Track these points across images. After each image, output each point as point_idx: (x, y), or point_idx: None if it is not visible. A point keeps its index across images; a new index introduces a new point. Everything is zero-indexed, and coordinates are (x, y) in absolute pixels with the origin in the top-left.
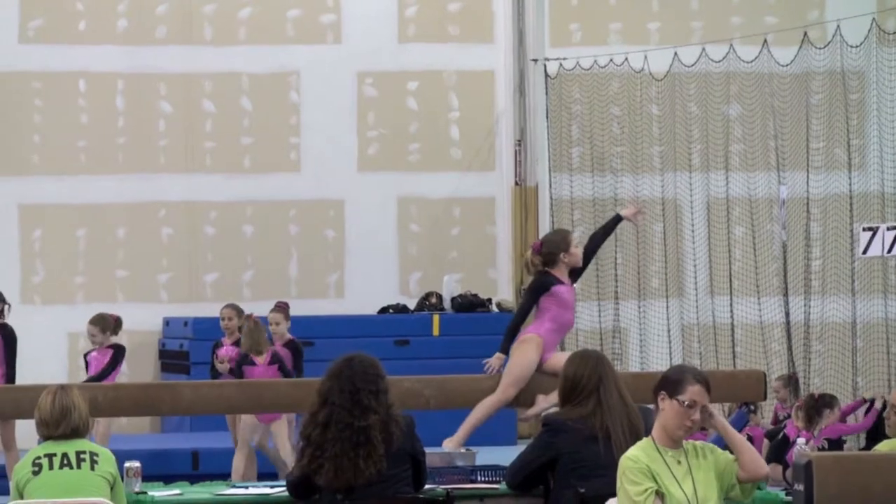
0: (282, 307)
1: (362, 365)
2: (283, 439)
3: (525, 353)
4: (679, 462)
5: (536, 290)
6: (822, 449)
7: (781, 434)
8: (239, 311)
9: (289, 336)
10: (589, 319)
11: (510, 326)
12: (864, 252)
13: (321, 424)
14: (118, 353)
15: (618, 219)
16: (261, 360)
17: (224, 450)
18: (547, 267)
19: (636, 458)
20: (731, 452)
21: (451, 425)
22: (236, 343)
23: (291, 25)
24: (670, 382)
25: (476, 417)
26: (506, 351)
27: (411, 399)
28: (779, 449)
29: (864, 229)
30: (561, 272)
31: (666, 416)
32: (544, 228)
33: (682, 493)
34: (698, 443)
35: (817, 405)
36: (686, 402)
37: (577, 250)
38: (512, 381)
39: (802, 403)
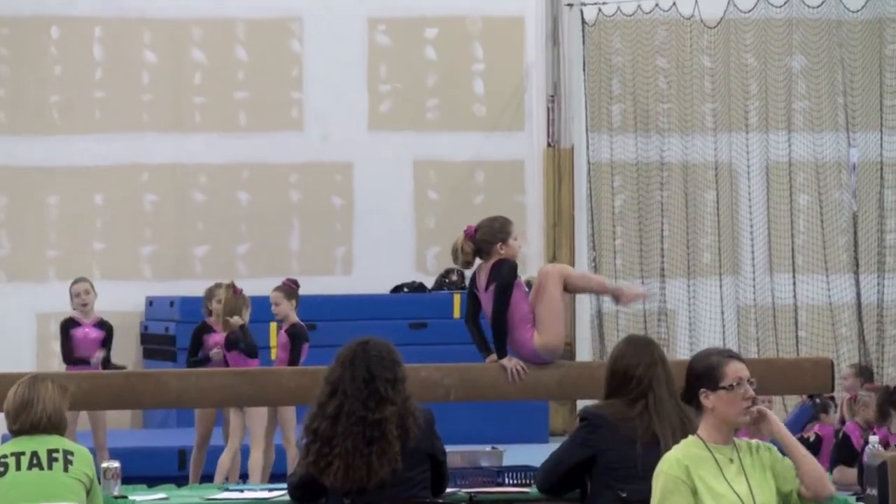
0: (286, 285)
1: (378, 349)
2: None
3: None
4: (731, 461)
5: (510, 283)
6: None
7: (842, 433)
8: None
9: (294, 319)
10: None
11: (497, 328)
12: None
13: (330, 417)
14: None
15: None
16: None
17: (216, 448)
18: (478, 257)
19: (676, 462)
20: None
21: (475, 420)
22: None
23: None
24: (705, 376)
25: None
26: (505, 353)
27: (429, 390)
28: (842, 449)
29: None
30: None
31: (721, 412)
32: (580, 196)
33: (735, 494)
34: (753, 441)
35: (892, 398)
36: (733, 384)
37: (517, 244)
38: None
39: (856, 396)
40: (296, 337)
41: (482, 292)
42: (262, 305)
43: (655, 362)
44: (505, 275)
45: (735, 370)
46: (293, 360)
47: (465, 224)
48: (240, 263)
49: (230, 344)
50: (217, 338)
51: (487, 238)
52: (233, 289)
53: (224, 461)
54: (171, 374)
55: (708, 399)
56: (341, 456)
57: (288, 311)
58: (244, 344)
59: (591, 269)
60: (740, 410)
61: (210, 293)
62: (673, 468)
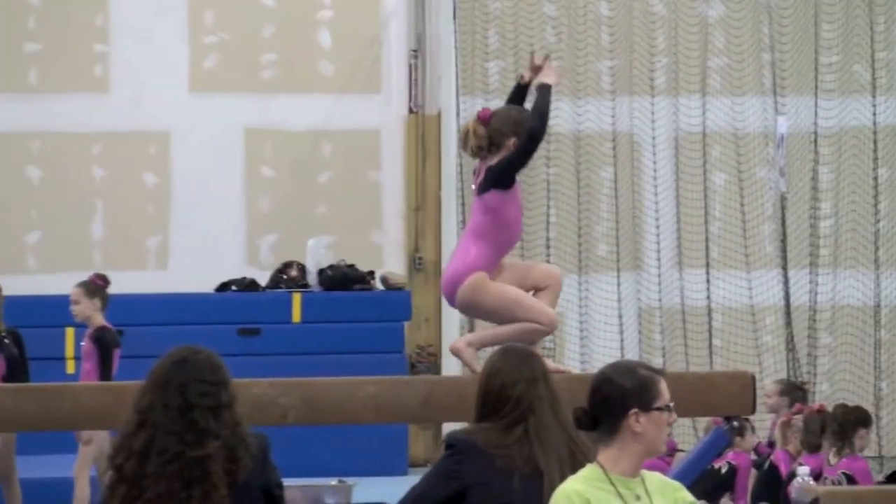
0: (90, 281)
1: (198, 369)
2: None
3: (491, 292)
4: (638, 497)
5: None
6: (838, 485)
7: (767, 463)
8: None
9: (100, 321)
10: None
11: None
12: None
13: (138, 453)
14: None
15: (519, 90)
16: None
17: None
18: (488, 149)
19: (576, 495)
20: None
21: (319, 448)
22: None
23: None
24: (635, 394)
25: (508, 333)
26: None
27: (262, 411)
28: (768, 483)
29: None
30: None
31: (649, 438)
32: (449, 174)
33: None
34: (665, 477)
35: (852, 421)
36: (669, 405)
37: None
38: (522, 307)
39: (789, 417)
40: (103, 343)
41: (474, 197)
42: (57, 307)
43: (537, 378)
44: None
45: (666, 389)
46: (104, 372)
47: (307, 208)
48: (29, 256)
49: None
50: None
51: (502, 128)
52: None
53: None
54: None
55: (639, 422)
56: (153, 501)
57: (90, 311)
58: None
59: None
60: (663, 436)
61: None
62: (573, 502)
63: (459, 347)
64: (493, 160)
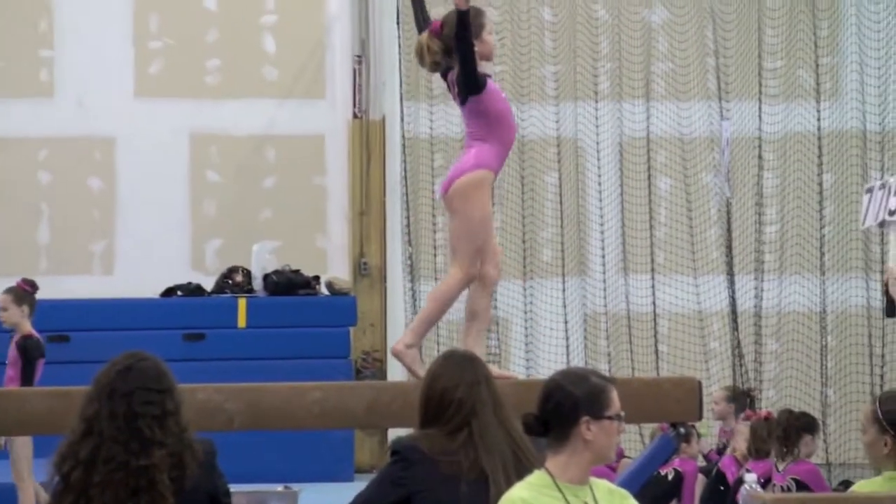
0: (18, 286)
1: (143, 377)
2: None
3: (482, 201)
4: None
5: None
6: (787, 490)
7: (715, 470)
8: None
9: (27, 329)
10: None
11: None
12: (864, 222)
13: (84, 462)
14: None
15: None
16: None
17: None
18: (447, 57)
19: (521, 500)
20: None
21: (265, 454)
22: None
23: None
24: (587, 402)
25: (431, 310)
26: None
27: (208, 416)
28: (715, 490)
29: (866, 191)
30: None
31: (599, 446)
32: (393, 179)
33: None
34: (612, 485)
35: (797, 427)
36: (620, 414)
37: (491, 38)
38: (473, 243)
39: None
40: (27, 351)
41: (460, 108)
42: None
43: (479, 381)
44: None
45: (617, 398)
46: (26, 379)
47: (252, 213)
48: None
49: None
50: None
51: (453, 34)
52: None
53: None
54: None
55: (589, 430)
56: None
57: (18, 318)
58: None
59: (406, 267)
60: (612, 443)
61: None
62: None
63: (399, 350)
64: (456, 68)
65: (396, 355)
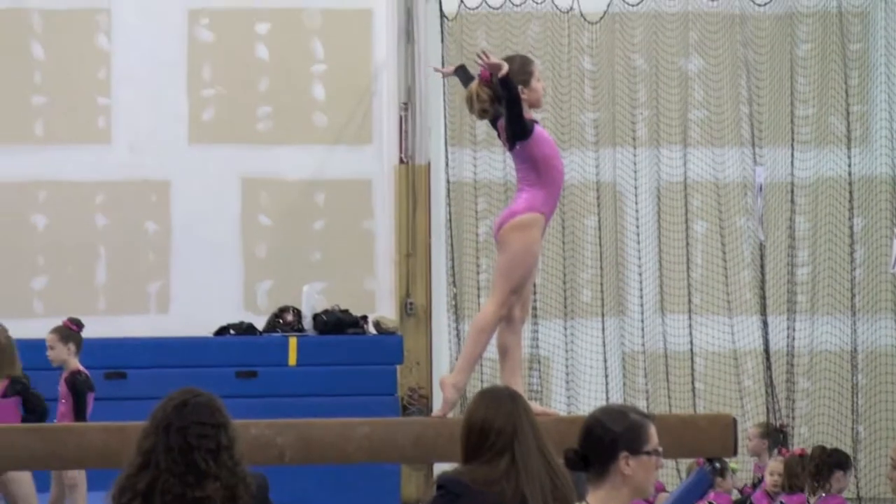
0: (63, 325)
1: (198, 412)
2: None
3: (528, 243)
4: None
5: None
6: None
7: (748, 503)
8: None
9: (74, 365)
10: (492, 343)
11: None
12: (894, 266)
13: (142, 494)
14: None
15: (463, 71)
16: None
17: None
18: (498, 104)
19: None
20: None
21: (314, 486)
22: None
23: None
24: (626, 438)
25: (469, 345)
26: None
27: (260, 451)
28: None
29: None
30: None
31: (638, 480)
32: (438, 222)
33: None
34: None
35: (829, 463)
36: (658, 449)
37: (540, 85)
38: (510, 282)
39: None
40: (76, 386)
41: (510, 154)
42: None
43: (518, 411)
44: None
45: (655, 434)
46: (78, 414)
47: (302, 254)
48: (35, 301)
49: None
50: None
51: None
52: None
53: None
54: None
55: (629, 465)
56: None
57: (65, 356)
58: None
59: (450, 307)
60: (652, 478)
61: None
62: None
63: (444, 383)
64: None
65: (441, 385)
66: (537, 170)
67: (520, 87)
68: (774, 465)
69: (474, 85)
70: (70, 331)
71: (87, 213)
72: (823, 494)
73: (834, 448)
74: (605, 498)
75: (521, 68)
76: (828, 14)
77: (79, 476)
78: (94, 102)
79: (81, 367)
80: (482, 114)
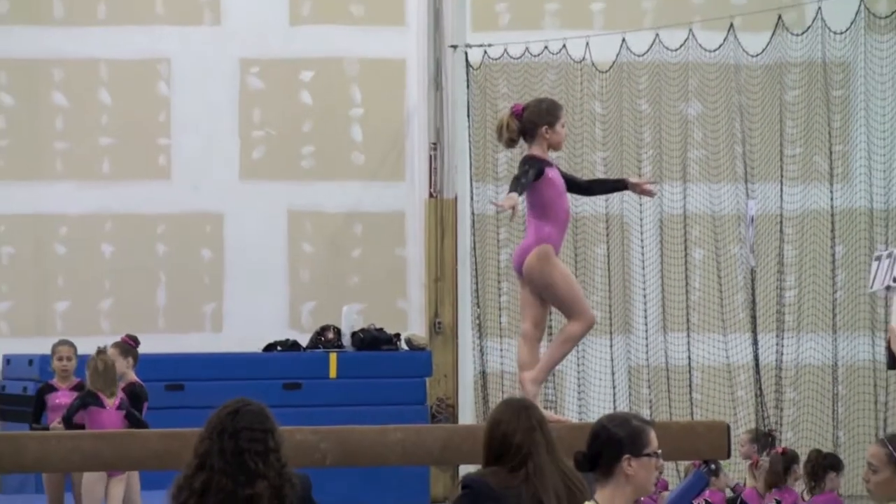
0: (122, 341)
1: (248, 419)
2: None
3: (554, 264)
4: None
5: (530, 173)
6: None
7: (739, 500)
8: (75, 350)
9: (132, 377)
10: (513, 359)
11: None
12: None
13: (198, 492)
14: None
15: (622, 185)
16: (110, 402)
17: None
18: (523, 138)
19: None
20: None
21: (352, 485)
22: (75, 388)
23: (161, 2)
24: (628, 442)
25: (557, 353)
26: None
27: (304, 454)
28: None
29: (875, 258)
30: (541, 151)
31: (640, 480)
32: (464, 250)
33: None
34: None
35: (824, 465)
36: (658, 451)
37: (563, 131)
38: (575, 292)
39: (757, 460)
40: (134, 396)
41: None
42: None
43: (534, 427)
44: (522, 168)
45: (655, 438)
46: (135, 420)
47: (342, 278)
48: (103, 320)
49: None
50: (61, 398)
51: (534, 118)
52: (104, 359)
53: None
54: (30, 437)
55: (631, 466)
56: None
57: (124, 369)
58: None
59: (474, 326)
60: (652, 478)
61: (52, 350)
62: None
63: (524, 379)
64: (530, 149)
65: (521, 382)
66: (543, 206)
67: (544, 128)
68: (762, 464)
69: (507, 115)
70: (128, 346)
71: (149, 242)
72: (819, 492)
73: (829, 452)
74: (611, 496)
75: (550, 111)
76: (813, 64)
77: (131, 477)
78: (156, 143)
79: (138, 379)
80: (509, 143)
